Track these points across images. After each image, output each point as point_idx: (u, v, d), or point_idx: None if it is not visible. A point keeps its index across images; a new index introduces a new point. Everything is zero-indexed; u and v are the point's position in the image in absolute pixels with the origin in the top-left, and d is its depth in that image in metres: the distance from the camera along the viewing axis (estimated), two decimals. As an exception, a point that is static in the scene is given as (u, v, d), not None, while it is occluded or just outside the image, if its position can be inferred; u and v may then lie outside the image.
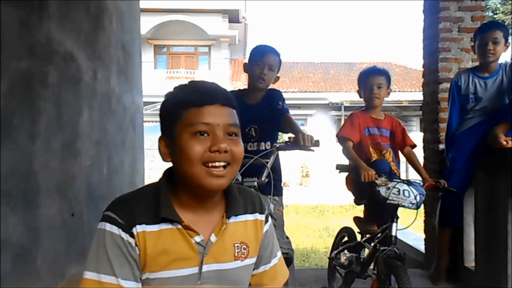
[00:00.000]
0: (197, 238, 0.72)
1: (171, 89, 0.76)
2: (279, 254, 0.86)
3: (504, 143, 1.82)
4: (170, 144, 0.72)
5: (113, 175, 2.63)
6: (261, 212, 0.82)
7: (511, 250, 1.78)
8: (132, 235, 0.68)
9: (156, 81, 12.05)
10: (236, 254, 0.76)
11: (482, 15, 2.43)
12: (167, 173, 0.76)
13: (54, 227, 1.86)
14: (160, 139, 0.75)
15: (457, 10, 2.40)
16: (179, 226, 0.71)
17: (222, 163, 0.70)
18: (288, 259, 1.64)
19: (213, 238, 0.74)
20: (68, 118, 2.00)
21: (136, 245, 0.68)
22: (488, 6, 12.06)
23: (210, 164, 0.69)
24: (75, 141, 2.10)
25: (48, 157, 1.78)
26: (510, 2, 12.40)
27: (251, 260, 0.79)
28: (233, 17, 13.25)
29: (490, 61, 1.95)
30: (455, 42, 2.41)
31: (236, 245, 0.76)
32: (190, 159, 0.68)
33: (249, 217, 0.80)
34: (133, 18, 3.38)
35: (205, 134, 0.70)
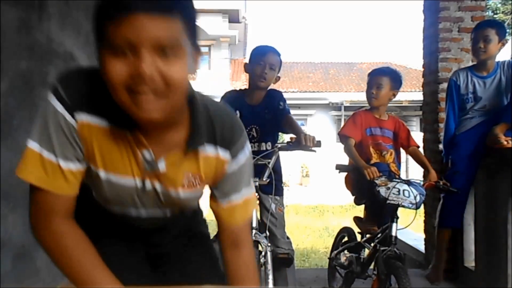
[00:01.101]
0: (146, 154, 0.64)
1: None
2: (246, 192, 0.74)
3: (505, 143, 1.82)
4: None
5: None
6: (228, 148, 0.69)
7: (511, 250, 1.78)
8: (75, 119, 0.61)
9: (156, 81, 12.00)
10: (184, 183, 0.69)
11: (482, 15, 2.43)
12: None
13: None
14: None
15: (457, 10, 2.40)
16: (129, 134, 0.62)
17: (151, 93, 0.55)
18: (289, 260, 1.64)
19: (162, 164, 0.65)
20: (68, 118, 1.99)
21: (78, 131, 0.62)
22: (488, 6, 12.05)
23: (135, 92, 0.55)
24: (75, 141, 2.09)
25: (48, 157, 1.76)
26: (510, 2, 12.40)
27: (202, 187, 0.72)
28: (233, 17, 13.25)
29: (481, 59, 1.96)
30: (455, 42, 2.41)
31: (186, 174, 0.68)
32: (112, 85, 0.55)
33: (213, 150, 0.68)
34: (133, 18, 3.36)
35: (127, 53, 0.53)
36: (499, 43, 1.92)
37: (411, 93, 11.49)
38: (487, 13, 4.83)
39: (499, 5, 12.80)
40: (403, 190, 1.56)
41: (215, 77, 12.72)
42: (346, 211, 6.86)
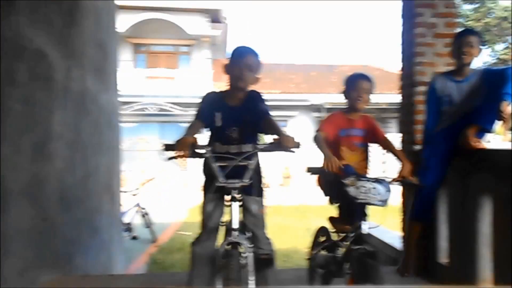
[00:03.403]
0: None
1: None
2: None
3: (474, 144, 1.92)
4: None
5: (88, 177, 2.53)
6: None
7: (481, 247, 1.86)
8: None
9: (136, 81, 11.74)
10: None
11: (454, 22, 2.54)
12: None
13: (23, 232, 1.77)
14: None
15: (431, 16, 2.49)
16: None
17: None
18: (270, 260, 1.64)
19: None
20: (38, 118, 1.91)
21: None
22: (459, 13, 12.66)
23: None
24: (47, 142, 2.01)
25: (17, 159, 1.68)
26: (480, 10, 13.07)
27: None
28: (214, 17, 13.17)
29: (465, 63, 2.06)
30: (429, 47, 2.50)
31: None
32: None
33: None
34: (110, 15, 3.28)
35: None
36: (478, 50, 2.05)
37: (389, 95, 11.85)
38: (459, 19, 5.05)
39: (469, 13, 13.48)
40: (371, 188, 1.60)
41: (197, 78, 12.58)
42: (327, 211, 6.97)
